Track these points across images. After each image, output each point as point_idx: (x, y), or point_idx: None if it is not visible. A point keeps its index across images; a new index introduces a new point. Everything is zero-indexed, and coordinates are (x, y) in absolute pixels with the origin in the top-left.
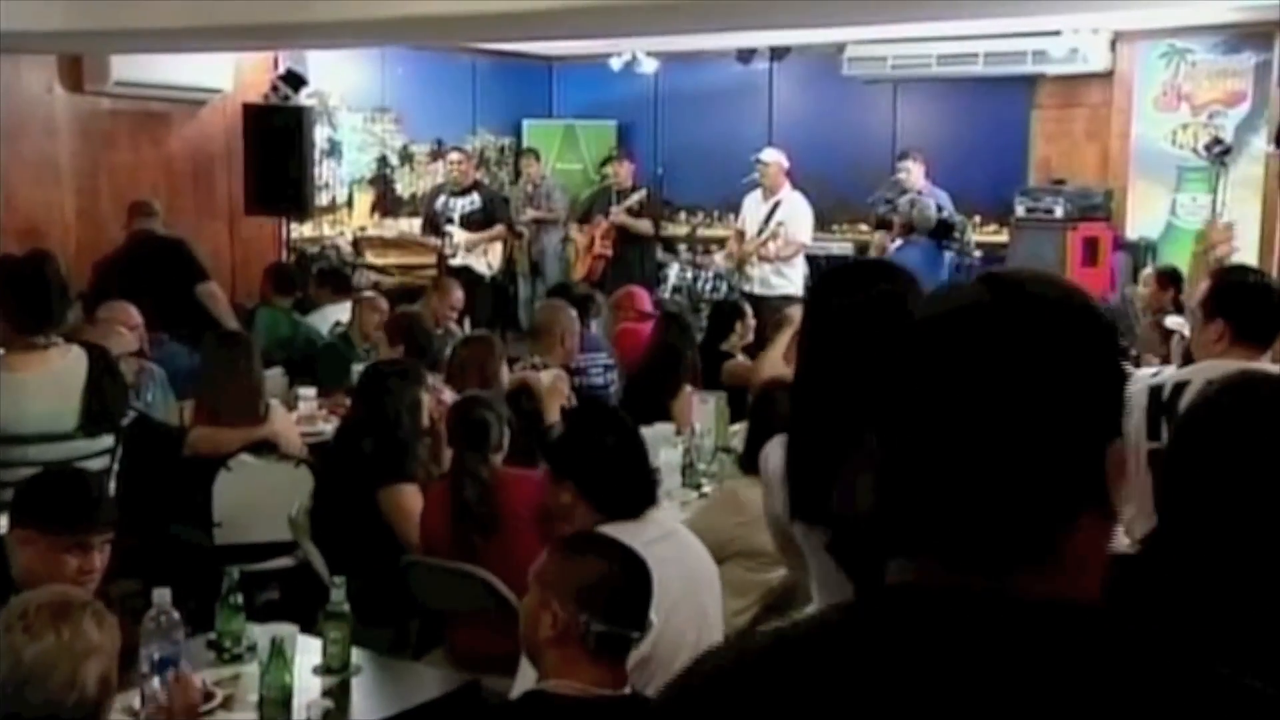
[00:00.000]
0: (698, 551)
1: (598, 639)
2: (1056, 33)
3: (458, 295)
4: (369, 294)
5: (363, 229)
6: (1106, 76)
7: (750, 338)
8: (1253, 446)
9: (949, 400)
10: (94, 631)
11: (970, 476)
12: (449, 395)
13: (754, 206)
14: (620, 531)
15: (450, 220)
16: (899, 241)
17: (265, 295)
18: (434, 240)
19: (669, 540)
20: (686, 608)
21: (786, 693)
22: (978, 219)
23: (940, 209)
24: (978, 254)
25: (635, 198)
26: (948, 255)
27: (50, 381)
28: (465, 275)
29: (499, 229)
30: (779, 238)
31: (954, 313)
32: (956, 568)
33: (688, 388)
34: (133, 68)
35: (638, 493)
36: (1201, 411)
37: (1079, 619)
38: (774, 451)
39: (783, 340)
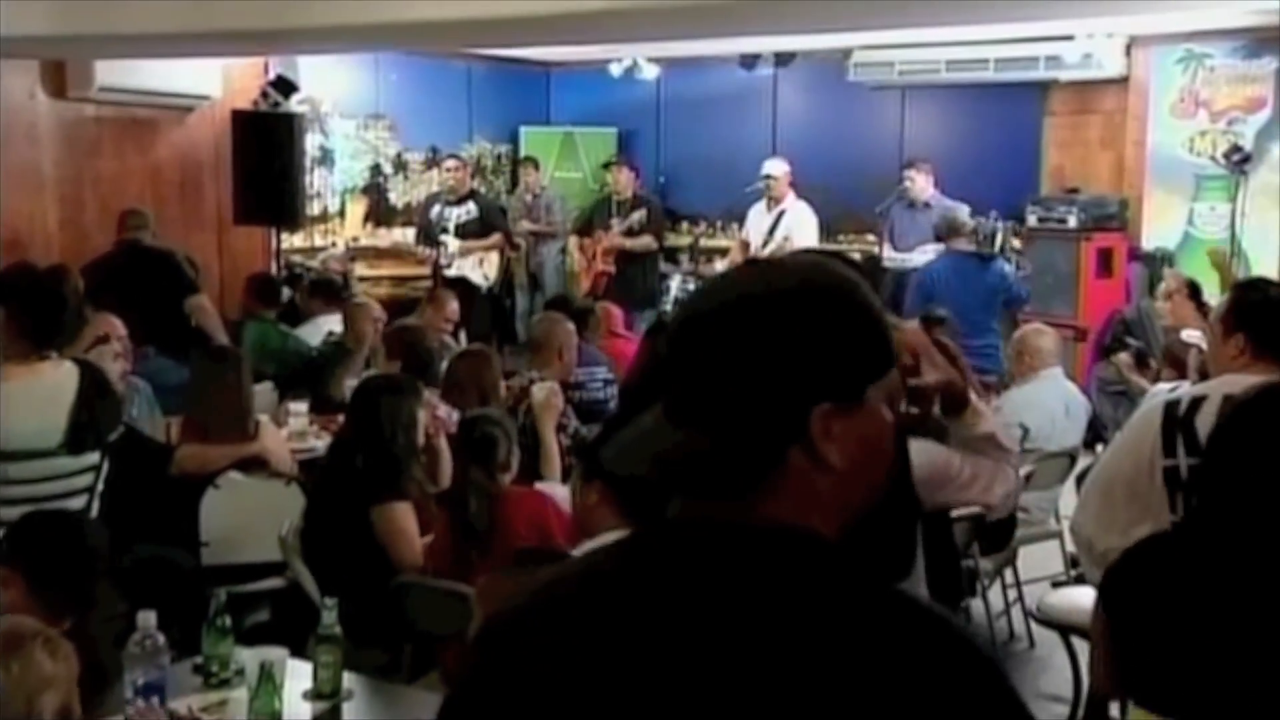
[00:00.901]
0: None
1: None
2: (1070, 37)
3: (453, 307)
4: (360, 299)
5: (355, 239)
6: (1121, 82)
7: None
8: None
9: (689, 371)
10: (47, 662)
11: (702, 425)
12: (444, 410)
13: (758, 217)
14: None
15: (445, 230)
16: (929, 254)
17: (250, 308)
18: (428, 251)
19: None
20: None
21: (565, 605)
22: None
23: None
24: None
25: (635, 216)
26: (997, 263)
27: (39, 395)
28: (461, 287)
29: (495, 238)
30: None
31: (697, 303)
32: (701, 499)
33: None
34: (118, 73)
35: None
36: (1234, 423)
37: (780, 538)
38: None
39: None
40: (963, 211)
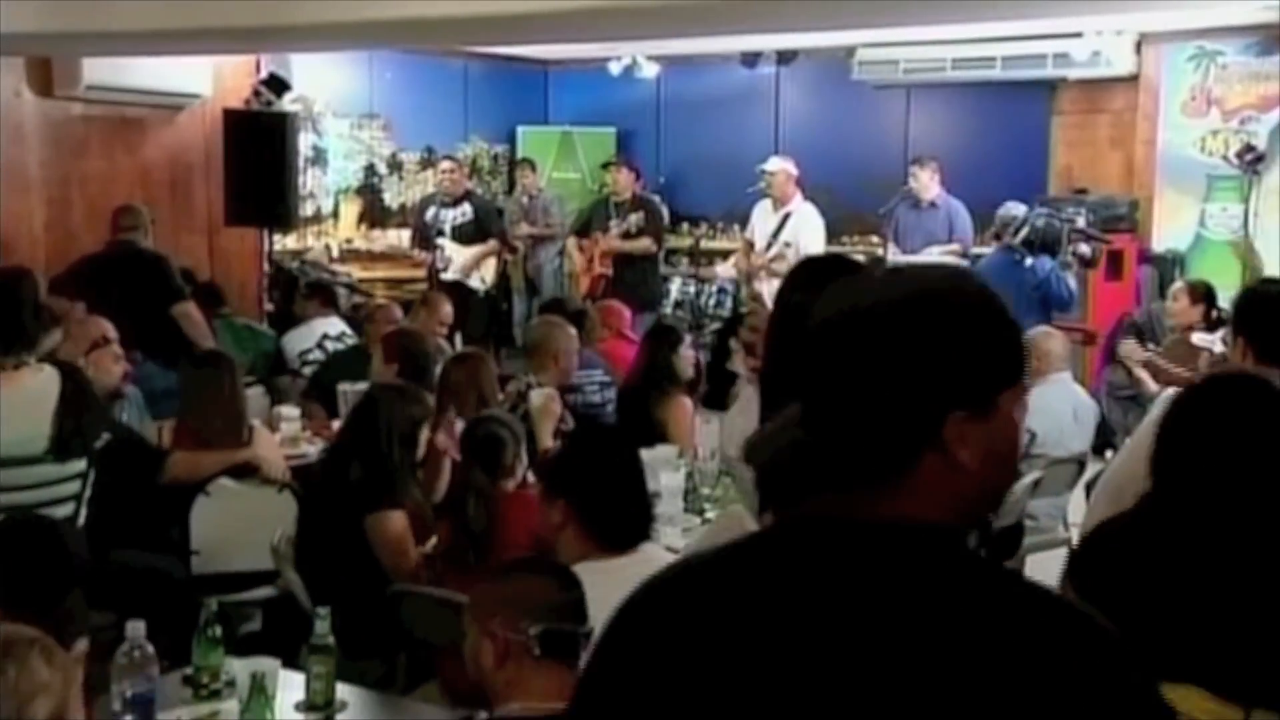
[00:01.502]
0: None
1: (541, 641)
2: (1078, 35)
3: (446, 310)
4: (383, 303)
5: (349, 241)
6: (1131, 80)
7: None
8: (1233, 431)
9: (829, 375)
10: (42, 669)
11: (839, 429)
12: (460, 425)
13: (763, 217)
14: (614, 568)
15: (441, 233)
16: (934, 256)
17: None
18: (423, 255)
19: None
20: None
21: (695, 597)
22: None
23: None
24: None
25: (633, 219)
26: (1034, 261)
27: (21, 403)
28: (458, 290)
29: (492, 243)
30: (786, 259)
31: (839, 310)
32: (835, 495)
33: (684, 398)
34: (106, 71)
35: (631, 520)
36: (1183, 408)
37: (911, 533)
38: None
39: None
40: (1018, 209)
